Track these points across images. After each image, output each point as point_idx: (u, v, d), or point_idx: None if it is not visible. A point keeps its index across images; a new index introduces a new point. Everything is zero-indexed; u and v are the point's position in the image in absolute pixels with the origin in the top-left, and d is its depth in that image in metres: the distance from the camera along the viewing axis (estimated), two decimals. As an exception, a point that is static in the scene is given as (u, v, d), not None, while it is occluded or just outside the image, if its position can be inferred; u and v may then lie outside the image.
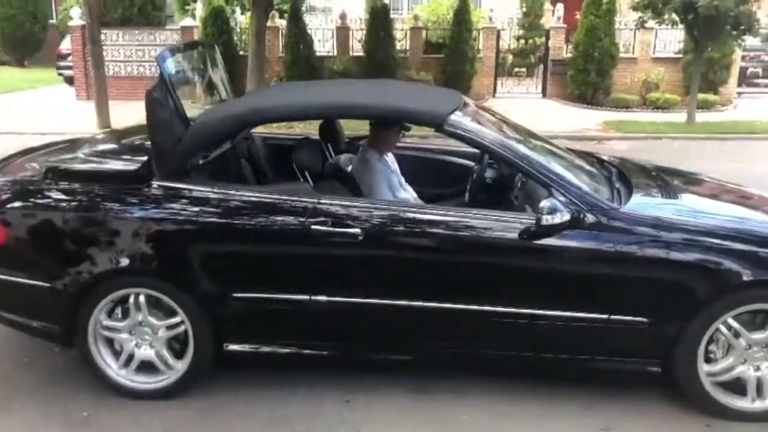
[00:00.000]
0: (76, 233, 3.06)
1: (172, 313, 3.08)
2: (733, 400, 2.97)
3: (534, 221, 2.86)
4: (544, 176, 3.01)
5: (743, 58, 15.03)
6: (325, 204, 3.01)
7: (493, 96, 14.74)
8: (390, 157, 4.09)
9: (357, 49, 15.09)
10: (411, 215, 3.02)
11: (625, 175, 3.53)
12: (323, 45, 15.43)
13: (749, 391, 2.95)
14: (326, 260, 3.03)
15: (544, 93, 14.83)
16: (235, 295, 3.04)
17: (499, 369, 3.24)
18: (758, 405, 2.95)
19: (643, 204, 3.12)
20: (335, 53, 15.11)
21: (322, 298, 3.01)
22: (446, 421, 2.99)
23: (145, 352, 3.15)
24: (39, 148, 3.86)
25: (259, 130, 4.19)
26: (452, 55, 14.13)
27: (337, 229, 2.95)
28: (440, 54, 14.68)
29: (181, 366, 3.14)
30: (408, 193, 4.04)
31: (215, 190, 3.08)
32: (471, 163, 4.33)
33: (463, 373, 3.28)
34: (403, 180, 4.10)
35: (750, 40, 12.12)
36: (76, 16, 14.95)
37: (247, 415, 3.04)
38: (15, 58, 22.71)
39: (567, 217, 2.82)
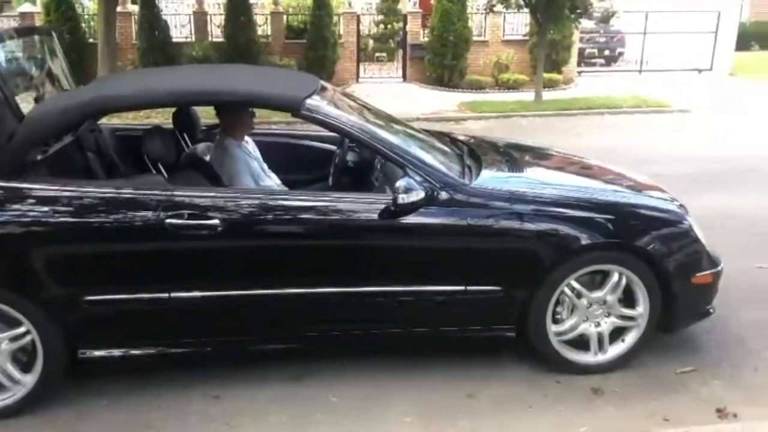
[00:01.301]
0: None
1: (16, 323, 2.85)
2: (578, 356, 3.23)
3: (390, 200, 2.94)
4: (399, 157, 3.10)
5: (581, 39, 16.26)
6: (180, 196, 2.91)
7: (357, 81, 14.89)
8: (251, 144, 4.02)
9: (217, 34, 14.62)
10: (273, 202, 3.00)
11: (475, 153, 3.72)
12: (180, 31, 14.78)
13: (591, 346, 3.23)
14: (184, 255, 2.93)
15: (404, 77, 15.19)
16: (87, 298, 2.87)
17: (370, 347, 3.31)
18: (600, 357, 3.24)
19: (492, 179, 3.29)
20: (193, 39, 14.53)
21: (183, 294, 2.92)
22: (318, 404, 3.02)
23: (-12, 369, 2.89)
24: None
25: (110, 122, 3.96)
26: (314, 41, 14.08)
27: (194, 222, 2.86)
28: (302, 39, 14.57)
29: (29, 379, 2.91)
30: (272, 180, 3.99)
31: (58, 188, 2.88)
32: (332, 147, 4.36)
33: (337, 358, 3.31)
34: (266, 166, 4.04)
35: (586, 23, 13.14)
36: None
37: (110, 424, 2.89)
38: None
39: (422, 195, 2.92)
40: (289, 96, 3.16)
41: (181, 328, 3.04)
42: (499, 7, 12.65)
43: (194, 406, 3.00)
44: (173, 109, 4.08)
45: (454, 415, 2.95)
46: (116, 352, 3.00)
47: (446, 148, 3.71)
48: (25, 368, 2.92)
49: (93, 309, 2.88)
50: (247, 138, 3.98)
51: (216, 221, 2.88)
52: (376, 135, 3.18)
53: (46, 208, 2.82)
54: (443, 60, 14.16)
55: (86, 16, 14.73)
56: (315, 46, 14.05)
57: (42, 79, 3.77)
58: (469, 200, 3.03)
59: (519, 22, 15.38)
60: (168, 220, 2.85)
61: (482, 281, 3.06)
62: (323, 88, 3.48)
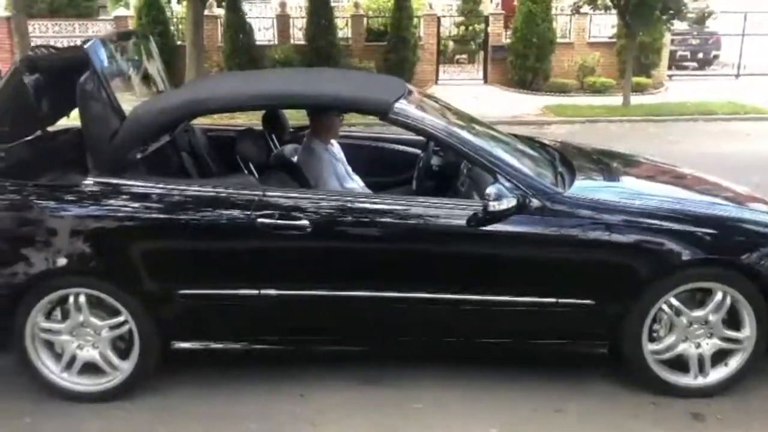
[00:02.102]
0: (7, 232, 2.92)
1: (116, 313, 2.98)
2: (677, 377, 3.06)
3: (481, 207, 2.89)
4: (489, 162, 3.03)
5: (672, 42, 15.59)
6: (271, 196, 2.96)
7: (436, 83, 14.84)
8: (336, 146, 4.06)
9: (298, 37, 14.92)
10: (359, 205, 3.00)
11: (567, 159, 3.60)
12: (263, 34, 15.19)
13: (691, 368, 3.05)
14: (274, 253, 2.98)
15: (485, 79, 15.02)
16: (180, 292, 2.96)
17: (452, 356, 3.26)
18: (701, 381, 3.05)
19: (586, 187, 3.18)
20: (276, 42, 14.89)
21: (271, 291, 2.96)
22: (401, 411, 2.99)
23: (89, 354, 3.04)
24: None
25: (201, 122, 4.09)
26: (394, 43, 14.15)
27: (284, 222, 2.91)
28: (382, 42, 14.65)
29: (126, 366, 3.04)
30: (355, 182, 4.01)
31: (155, 185, 2.99)
32: (417, 151, 4.34)
33: (417, 362, 3.29)
34: (350, 169, 4.07)
35: (678, 25, 12.57)
36: (1, 7, 14.23)
37: (198, 414, 2.97)
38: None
39: (513, 202, 2.85)
40: (377, 100, 3.16)
41: (268, 325, 3.09)
42: (585, 9, 12.28)
43: (280, 404, 3.04)
44: (258, 111, 4.15)
45: (542, 429, 2.87)
46: (207, 346, 3.08)
47: (537, 154, 3.62)
48: (123, 355, 3.05)
49: (186, 303, 2.97)
50: (332, 140, 4.02)
51: (305, 222, 2.91)
52: (465, 140, 3.12)
53: (144, 205, 2.94)
54: (526, 62, 13.92)
55: (175, 20, 15.34)
56: (395, 48, 14.11)
57: (140, 80, 3.94)
58: (563, 209, 2.93)
59: (606, 24, 14.91)
60: (259, 220, 2.90)
61: (575, 294, 2.95)
62: (410, 92, 3.47)
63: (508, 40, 14.51)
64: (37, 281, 2.92)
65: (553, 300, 2.95)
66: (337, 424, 2.92)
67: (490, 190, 2.85)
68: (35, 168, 3.30)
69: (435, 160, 4.03)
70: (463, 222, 2.93)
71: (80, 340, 3.03)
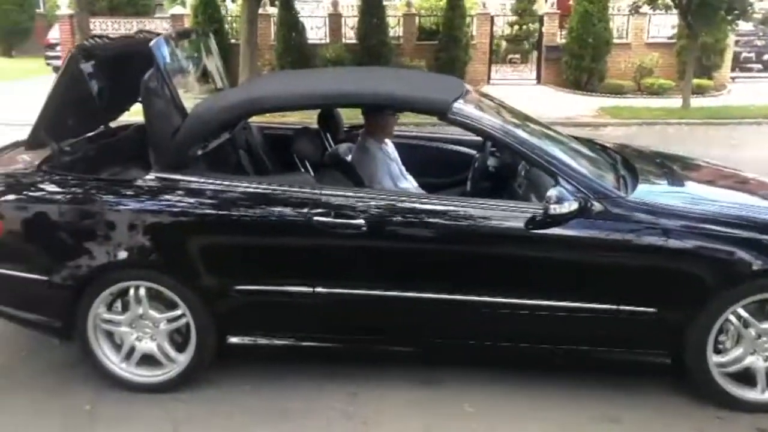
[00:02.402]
0: (72, 226, 3.01)
1: (173, 306, 3.04)
2: (743, 392, 2.94)
3: (540, 210, 2.83)
4: (550, 164, 2.97)
5: (736, 42, 15.03)
6: (327, 195, 2.96)
7: (488, 83, 14.70)
8: (390, 146, 4.04)
9: (350, 36, 14.99)
10: (414, 205, 2.97)
11: (628, 162, 3.50)
12: (315, 32, 15.31)
13: (759, 382, 2.92)
14: (329, 252, 2.98)
15: (538, 79, 14.80)
16: (236, 287, 3.00)
17: (506, 361, 3.20)
18: (768, 396, 2.92)
19: (650, 191, 3.08)
20: (327, 41, 14.99)
21: (326, 289, 2.97)
22: (453, 413, 2.96)
23: (147, 346, 3.10)
24: (20, 143, 3.75)
25: (257, 120, 4.13)
26: (446, 42, 14.07)
27: (339, 221, 2.91)
28: (433, 41, 14.59)
29: (183, 359, 3.09)
30: (409, 182, 3.99)
31: (214, 182, 3.03)
32: (472, 152, 4.28)
33: (471, 365, 3.25)
34: (404, 169, 4.05)
35: (743, 25, 12.10)
36: (64, 6, 14.75)
37: (251, 408, 3.00)
38: (2, 48, 22.40)
39: (575, 206, 2.78)
40: (436, 99, 3.13)
41: (321, 322, 3.10)
42: (645, 8, 11.95)
43: (332, 401, 3.04)
44: (313, 110, 4.17)
45: (597, 439, 2.79)
46: (260, 341, 3.11)
47: (598, 157, 3.53)
48: (180, 348, 3.10)
49: (242, 298, 3.01)
50: (387, 140, 4.01)
51: (361, 221, 2.90)
52: (525, 141, 3.07)
53: (204, 201, 2.98)
54: (581, 63, 13.64)
55: (229, 18, 15.59)
56: (447, 47, 14.03)
57: (200, 77, 4.00)
58: (626, 214, 2.85)
59: (665, 24, 14.47)
60: (316, 218, 2.91)
61: (636, 301, 2.86)
62: (468, 91, 3.42)
63: (563, 40, 14.24)
64: (100, 273, 3.00)
65: (613, 307, 2.87)
66: (388, 424, 2.91)
67: (552, 192, 2.79)
68: (98, 163, 3.39)
69: (491, 161, 3.98)
70: (521, 224, 2.87)
71: (139, 332, 3.10)
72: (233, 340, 3.09)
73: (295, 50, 14.04)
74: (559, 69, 14.29)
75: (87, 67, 3.20)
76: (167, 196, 2.99)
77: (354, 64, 13.63)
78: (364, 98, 3.26)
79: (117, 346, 3.13)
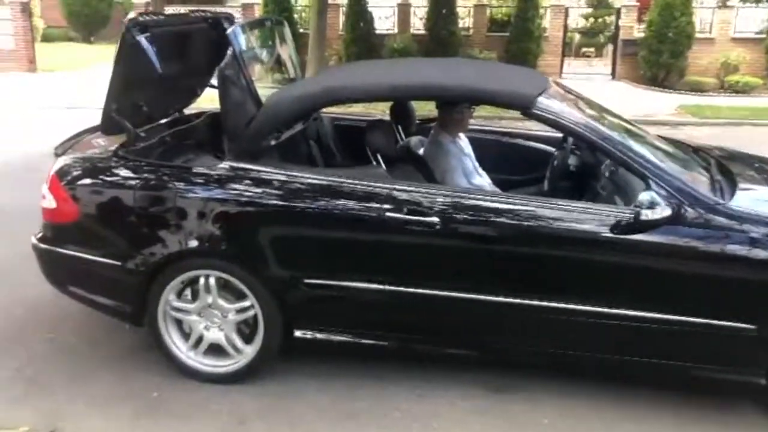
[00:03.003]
0: (146, 212, 3.00)
1: (242, 297, 3.01)
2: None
3: (629, 215, 2.65)
4: (641, 167, 2.77)
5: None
6: (401, 190, 2.86)
7: (560, 76, 14.25)
8: (464, 140, 3.91)
9: (417, 27, 14.82)
10: (492, 204, 2.84)
11: (725, 166, 3.25)
12: (383, 23, 15.21)
13: None
14: (401, 249, 2.88)
15: (613, 74, 14.25)
16: (306, 280, 2.93)
17: (584, 371, 3.04)
18: None
19: (750, 198, 2.85)
20: (395, 31, 14.87)
21: (396, 287, 2.87)
22: (526, 423, 2.83)
23: (215, 335, 3.09)
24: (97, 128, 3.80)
25: (326, 111, 4.07)
26: (517, 33, 13.73)
27: (413, 217, 2.80)
28: (504, 32, 14.26)
29: (250, 350, 3.07)
30: (483, 179, 3.85)
31: (288, 172, 2.97)
32: (549, 149, 4.11)
33: (545, 374, 3.10)
34: (477, 164, 3.91)
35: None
36: (141, -7, 15.14)
37: (316, 404, 2.95)
38: (82, 35, 23.26)
39: (668, 212, 2.59)
40: (520, 93, 2.97)
41: (390, 320, 3.01)
42: (733, 1, 11.29)
43: (397, 402, 2.95)
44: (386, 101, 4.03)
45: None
46: (327, 337, 3.04)
47: (690, 159, 3.29)
48: (247, 339, 3.07)
49: (311, 292, 2.94)
50: (460, 134, 3.87)
51: (435, 219, 2.78)
52: (615, 141, 2.87)
53: (276, 191, 2.92)
54: (659, 58, 13.03)
55: (298, 8, 15.65)
56: (518, 39, 13.69)
57: (274, 66, 3.96)
58: (723, 222, 2.63)
59: (754, 18, 13.64)
60: (388, 214, 2.81)
61: (733, 316, 2.64)
62: (551, 86, 3.25)
63: (641, 34, 13.64)
64: (171, 261, 2.99)
65: (706, 321, 2.66)
66: (457, 428, 2.79)
67: (643, 197, 2.61)
68: (172, 150, 3.39)
69: (572, 160, 3.79)
70: (606, 229, 2.70)
71: (208, 321, 3.08)
72: (299, 334, 3.04)
73: (362, 40, 13.98)
74: (636, 64, 13.70)
75: (143, 40, 3.05)
76: (240, 186, 2.95)
77: (422, 55, 13.49)
78: (448, 90, 3.11)
79: (186, 335, 3.14)
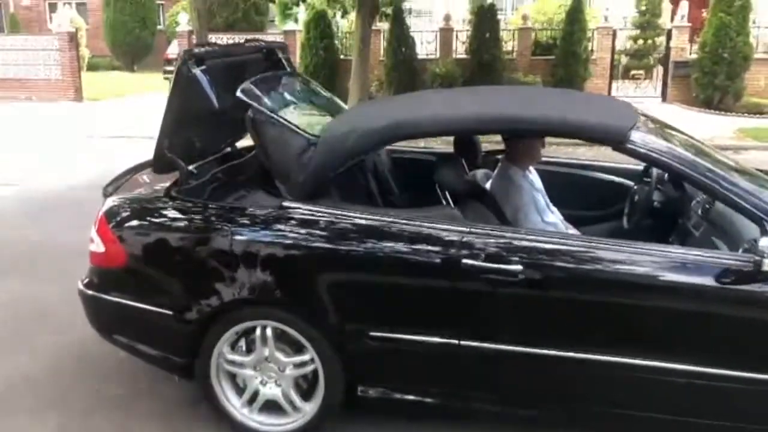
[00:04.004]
0: (199, 257, 2.77)
1: (301, 349, 2.74)
2: None
3: (743, 262, 2.33)
4: (756, 208, 2.43)
5: None
6: (478, 234, 2.57)
7: (607, 100, 13.85)
8: (534, 174, 3.60)
9: (460, 51, 14.63)
10: (586, 251, 2.53)
11: None
12: (425, 48, 15.07)
13: None
14: (479, 300, 2.58)
15: (663, 97, 13.77)
16: (371, 333, 2.65)
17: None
18: None
19: None
20: (437, 55, 14.70)
21: (473, 343, 2.57)
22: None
23: (271, 391, 2.83)
24: (148, 164, 3.60)
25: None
26: (563, 57, 13.40)
27: (494, 265, 2.50)
28: (550, 55, 13.96)
29: (309, 408, 2.80)
30: (555, 216, 3.53)
31: (351, 213, 2.70)
32: (617, 179, 3.80)
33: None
34: (548, 200, 3.60)
35: None
36: (184, 22, 15.33)
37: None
38: (125, 62, 23.77)
39: (794, 261, 2.25)
40: (612, 126, 2.67)
41: (465, 380, 2.70)
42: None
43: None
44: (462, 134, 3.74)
45: None
46: (393, 395, 2.76)
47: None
48: (305, 396, 2.81)
49: (377, 345, 2.66)
50: (531, 167, 3.57)
51: (518, 267, 2.48)
52: (723, 178, 2.54)
53: (340, 234, 2.66)
54: (714, 79, 12.52)
55: (339, 34, 15.63)
56: (565, 62, 13.36)
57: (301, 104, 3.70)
58: None
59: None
60: (465, 261, 2.52)
61: None
62: (640, 116, 2.94)
63: (694, 55, 13.17)
64: (225, 310, 2.75)
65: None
66: None
67: (765, 243, 2.26)
68: (224, 188, 3.16)
69: (656, 195, 3.44)
70: (710, 278, 2.38)
71: (263, 376, 2.83)
72: (363, 391, 2.76)
73: (404, 66, 13.82)
74: (688, 86, 13.21)
75: (200, 72, 2.86)
76: (300, 228, 2.69)
77: (465, 79, 13.26)
78: (534, 124, 2.79)
79: (240, 389, 2.88)
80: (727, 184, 2.52)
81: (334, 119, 3.26)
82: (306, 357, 2.74)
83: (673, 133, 3.09)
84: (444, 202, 3.24)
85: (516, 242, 2.55)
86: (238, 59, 3.34)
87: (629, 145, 2.56)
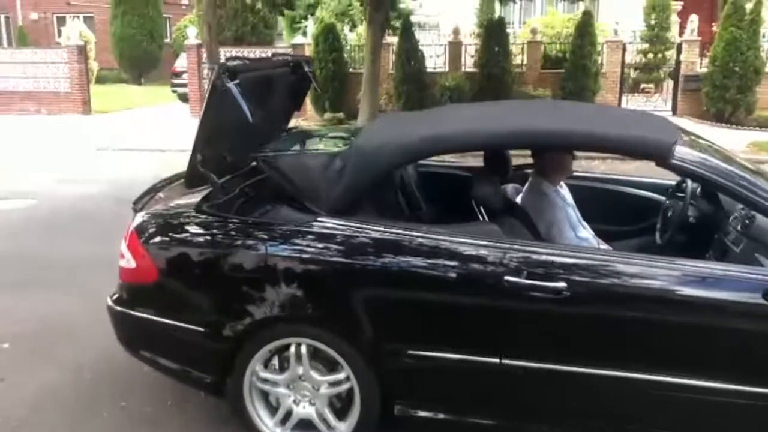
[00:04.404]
0: (231, 273, 2.72)
1: (335, 368, 2.69)
2: None
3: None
4: (807, 225, 2.39)
5: None
6: (519, 250, 2.52)
7: (617, 113, 13.82)
8: (565, 189, 3.56)
9: (468, 64, 14.63)
10: (630, 267, 2.47)
11: None
12: (434, 61, 15.08)
13: None
14: (522, 318, 2.53)
15: (674, 111, 13.73)
16: (410, 351, 2.59)
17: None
18: None
19: None
20: (446, 69, 14.71)
21: (515, 362, 2.52)
22: None
23: (305, 410, 2.77)
24: (177, 178, 3.55)
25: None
26: (573, 70, 13.38)
27: (537, 282, 2.45)
28: (559, 69, 13.95)
29: (344, 428, 2.74)
30: (587, 232, 3.48)
31: (388, 229, 2.65)
32: (656, 196, 3.74)
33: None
34: (579, 215, 3.55)
35: None
36: (192, 36, 15.36)
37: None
38: (132, 75, 23.85)
39: None
40: (656, 141, 2.62)
41: (507, 399, 2.64)
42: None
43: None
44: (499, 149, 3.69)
45: None
46: (433, 414, 2.69)
47: None
48: (340, 415, 2.75)
49: (415, 363, 2.60)
50: (562, 182, 3.53)
51: (562, 284, 2.43)
52: (769, 193, 2.49)
53: (377, 250, 2.61)
54: (725, 93, 12.49)
55: (348, 47, 15.65)
56: (574, 76, 13.34)
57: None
58: None
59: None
60: (506, 278, 2.46)
61: None
62: (681, 132, 2.89)
63: (704, 69, 13.15)
64: (259, 327, 2.70)
65: None
66: None
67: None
68: (253, 202, 3.09)
69: (691, 211, 3.39)
70: (758, 295, 2.32)
71: (297, 395, 2.77)
72: (402, 410, 2.69)
73: (413, 79, 13.82)
74: (699, 100, 13.18)
75: (233, 87, 2.80)
76: (334, 244, 2.65)
77: (474, 93, 13.25)
78: (575, 138, 2.76)
79: (272, 408, 2.82)
80: (778, 201, 2.47)
81: (362, 133, 3.21)
82: (341, 375, 2.68)
83: (715, 147, 3.05)
84: (480, 218, 3.18)
85: (558, 259, 2.51)
86: (267, 73, 3.32)
87: (674, 162, 2.51)
